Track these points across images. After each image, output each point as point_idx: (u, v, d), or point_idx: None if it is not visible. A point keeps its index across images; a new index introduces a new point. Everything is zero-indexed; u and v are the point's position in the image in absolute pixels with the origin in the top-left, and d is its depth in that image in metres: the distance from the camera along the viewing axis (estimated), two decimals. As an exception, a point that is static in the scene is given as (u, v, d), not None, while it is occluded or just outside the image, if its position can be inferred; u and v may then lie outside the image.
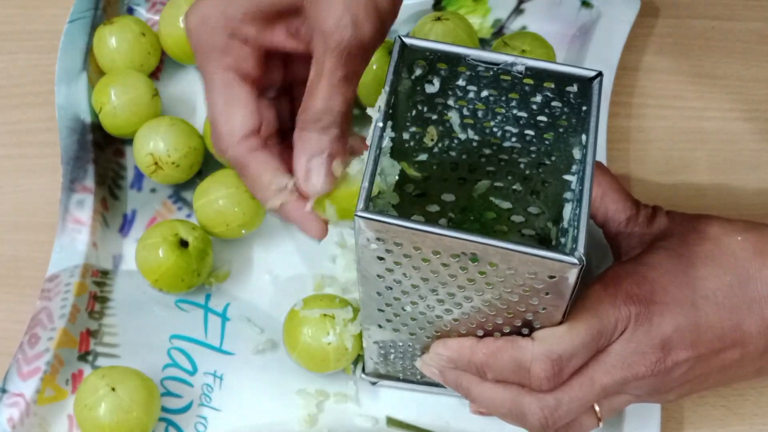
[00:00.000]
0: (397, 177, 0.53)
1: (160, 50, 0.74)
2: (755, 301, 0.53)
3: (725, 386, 0.64)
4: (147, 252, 0.64)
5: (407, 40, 0.50)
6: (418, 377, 0.62)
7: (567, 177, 0.54)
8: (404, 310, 0.52)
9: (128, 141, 0.71)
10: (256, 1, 0.52)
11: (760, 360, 0.55)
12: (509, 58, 0.50)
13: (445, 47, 0.51)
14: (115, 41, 0.71)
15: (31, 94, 0.75)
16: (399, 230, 0.45)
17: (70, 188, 0.67)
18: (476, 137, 0.55)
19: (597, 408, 0.54)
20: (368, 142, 0.48)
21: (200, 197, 0.66)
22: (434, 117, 0.55)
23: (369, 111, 0.49)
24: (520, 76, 0.51)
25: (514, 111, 0.53)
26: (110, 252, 0.68)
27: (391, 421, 0.63)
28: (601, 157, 0.68)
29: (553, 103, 0.52)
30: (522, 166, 0.56)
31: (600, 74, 0.50)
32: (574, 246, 0.46)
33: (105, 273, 0.67)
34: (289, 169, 0.54)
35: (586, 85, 0.50)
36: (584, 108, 0.50)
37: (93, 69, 0.72)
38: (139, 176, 0.71)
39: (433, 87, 0.53)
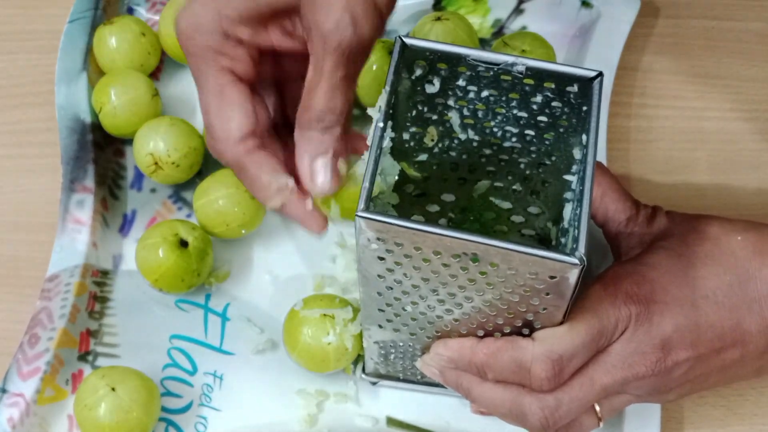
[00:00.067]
0: (397, 177, 0.53)
1: (160, 50, 0.74)
2: (755, 301, 0.53)
3: (725, 386, 0.64)
4: (147, 252, 0.64)
5: (407, 41, 0.50)
6: (419, 377, 0.62)
7: (567, 177, 0.54)
8: (405, 310, 0.52)
9: (128, 141, 0.71)
10: (252, 2, 0.52)
11: (760, 359, 0.55)
12: (509, 58, 0.50)
13: (446, 47, 0.51)
14: (115, 41, 0.71)
15: (31, 94, 0.75)
16: (399, 230, 0.45)
17: (70, 188, 0.67)
18: (476, 137, 0.55)
19: (597, 408, 0.54)
20: (369, 142, 0.48)
21: (200, 197, 0.66)
22: (434, 117, 0.55)
23: (369, 111, 0.49)
24: (520, 76, 0.51)
25: (515, 111, 0.53)
26: (110, 252, 0.68)
27: (391, 421, 0.63)
28: (601, 157, 0.68)
29: (554, 103, 0.52)
30: (522, 166, 0.56)
31: (600, 74, 0.50)
32: (574, 246, 0.46)
33: (105, 273, 0.67)
34: (287, 167, 0.53)
35: (587, 85, 0.50)
36: (584, 108, 0.50)
37: (93, 69, 0.72)
38: (139, 176, 0.71)
39: (433, 87, 0.53)
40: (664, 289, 0.53)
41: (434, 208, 0.59)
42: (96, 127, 0.70)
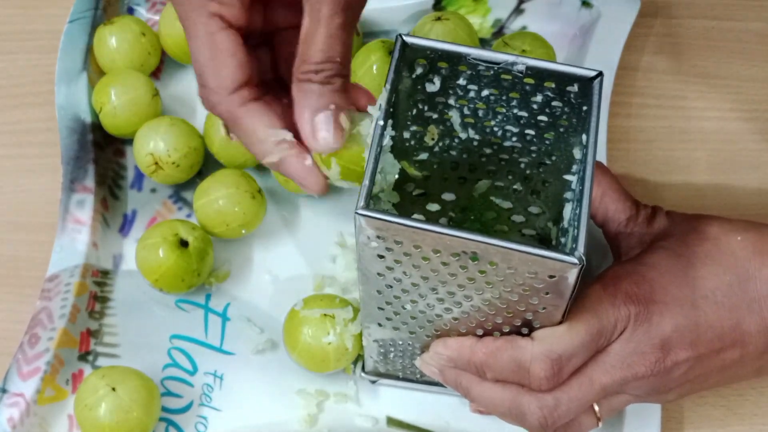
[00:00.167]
0: (397, 176, 0.53)
1: (160, 50, 0.74)
2: (755, 301, 0.53)
3: (725, 386, 0.64)
4: (147, 252, 0.64)
5: (408, 39, 0.50)
6: (418, 376, 0.62)
7: (567, 177, 0.54)
8: (404, 309, 0.52)
9: (128, 141, 0.71)
10: None
11: (759, 359, 0.55)
12: (510, 58, 0.50)
13: (446, 46, 0.51)
14: (115, 41, 0.71)
15: (31, 94, 0.75)
16: (399, 228, 0.45)
17: (70, 188, 0.67)
18: (477, 136, 0.55)
19: (596, 408, 0.54)
20: (369, 141, 0.48)
21: (200, 197, 0.66)
22: (435, 116, 0.55)
23: (370, 109, 0.49)
24: (520, 75, 0.51)
25: (515, 110, 0.53)
26: (110, 252, 0.68)
27: (391, 421, 0.63)
28: (601, 157, 0.68)
29: (554, 103, 0.52)
30: (522, 165, 0.56)
31: (600, 74, 0.50)
32: (574, 246, 0.46)
33: (105, 273, 0.67)
34: (285, 122, 0.50)
35: (587, 84, 0.50)
36: (584, 108, 0.50)
37: (93, 69, 0.72)
38: (140, 176, 0.71)
39: (433, 86, 0.53)
40: (664, 289, 0.53)
41: (435, 207, 0.59)
42: (96, 127, 0.70)
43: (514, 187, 0.58)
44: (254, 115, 0.50)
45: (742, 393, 0.65)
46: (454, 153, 0.56)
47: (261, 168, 0.70)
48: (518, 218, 0.59)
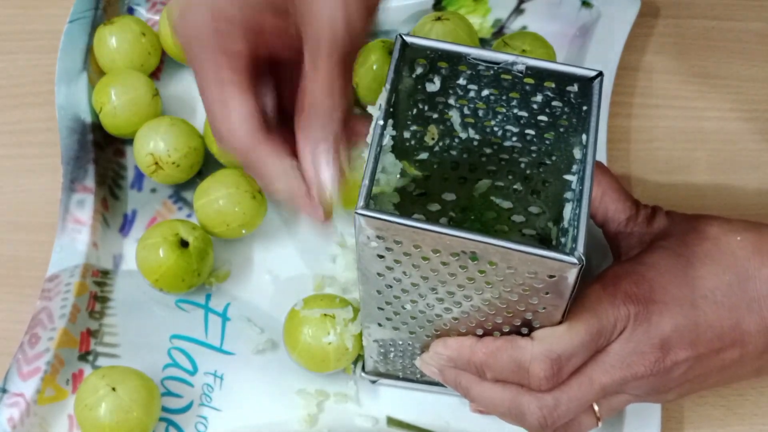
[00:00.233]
0: (398, 175, 0.53)
1: (160, 50, 0.74)
2: (754, 300, 0.53)
3: (725, 386, 0.64)
4: (147, 252, 0.64)
5: (408, 39, 0.50)
6: (418, 376, 0.62)
7: (567, 177, 0.54)
8: (404, 309, 0.52)
9: (128, 141, 0.71)
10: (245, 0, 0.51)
11: (759, 359, 0.55)
12: (510, 57, 0.50)
13: (446, 46, 0.51)
14: (115, 41, 0.71)
15: (31, 94, 0.75)
16: (399, 228, 0.45)
17: (71, 188, 0.67)
18: (477, 136, 0.55)
19: (596, 407, 0.54)
20: (369, 140, 0.48)
21: (200, 197, 0.66)
22: (435, 116, 0.55)
23: (369, 109, 0.49)
24: (520, 75, 0.51)
25: (515, 110, 0.53)
26: (110, 252, 0.68)
27: (392, 421, 0.63)
28: (601, 157, 0.68)
29: (554, 103, 0.52)
30: (522, 165, 0.56)
31: (600, 74, 0.50)
32: (573, 246, 0.46)
33: (105, 273, 0.67)
34: (293, 154, 0.53)
35: (587, 84, 0.50)
36: (584, 108, 0.50)
37: (93, 69, 0.72)
38: (140, 176, 0.71)
39: (433, 86, 0.53)
40: (663, 288, 0.53)
41: (435, 207, 0.59)
42: (96, 127, 0.70)
43: (515, 187, 0.58)
44: (265, 155, 0.52)
45: (742, 393, 0.65)
46: (454, 153, 0.56)
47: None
48: (518, 218, 0.59)
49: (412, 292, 0.50)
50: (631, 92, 0.76)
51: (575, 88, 0.51)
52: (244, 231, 0.67)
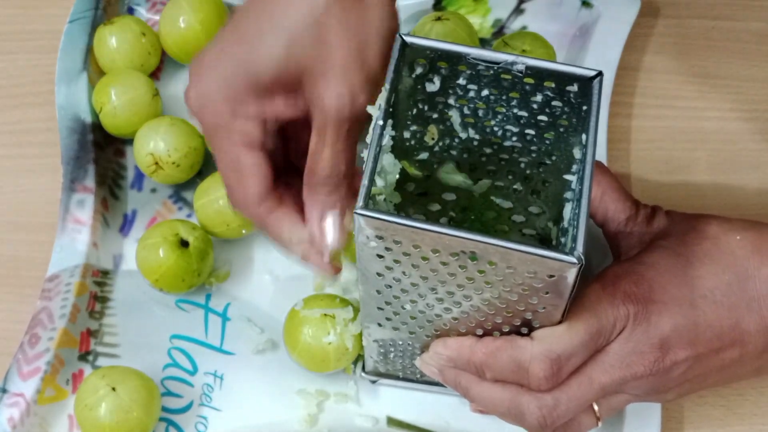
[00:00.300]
0: (398, 175, 0.53)
1: (160, 50, 0.74)
2: (754, 300, 0.53)
3: (725, 385, 0.64)
4: (147, 252, 0.64)
5: (408, 39, 0.50)
6: (418, 376, 0.62)
7: (567, 176, 0.54)
8: (404, 309, 0.52)
9: (128, 141, 0.71)
10: (254, 79, 0.53)
11: (759, 359, 0.55)
12: (510, 57, 0.50)
13: (446, 46, 0.51)
14: (115, 41, 0.71)
15: (31, 94, 0.75)
16: (398, 228, 0.45)
17: (71, 188, 0.67)
18: (477, 136, 0.55)
19: (596, 407, 0.54)
20: (368, 140, 0.48)
21: (200, 197, 0.66)
22: (435, 116, 0.55)
23: (369, 109, 0.49)
24: (520, 75, 0.51)
25: (515, 110, 0.53)
26: (110, 252, 0.68)
27: (392, 421, 0.63)
28: (601, 157, 0.68)
29: (554, 103, 0.52)
30: (522, 165, 0.56)
31: (600, 74, 0.50)
32: (573, 245, 0.46)
33: (105, 273, 0.67)
34: (302, 215, 0.56)
35: (587, 84, 0.50)
36: (584, 107, 0.50)
37: (93, 69, 0.72)
38: (140, 176, 0.71)
39: (433, 85, 0.53)
40: (663, 288, 0.53)
41: (435, 207, 0.59)
42: (96, 127, 0.70)
43: (515, 186, 0.58)
44: (278, 221, 0.56)
45: (742, 393, 0.65)
46: (454, 153, 0.56)
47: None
48: (518, 218, 0.59)
49: (411, 292, 0.50)
50: (631, 92, 0.76)
51: (575, 87, 0.51)
52: (244, 231, 0.67)
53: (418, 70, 0.52)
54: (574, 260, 0.45)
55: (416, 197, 0.59)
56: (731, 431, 0.64)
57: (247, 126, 0.54)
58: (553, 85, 0.51)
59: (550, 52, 0.71)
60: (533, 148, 0.55)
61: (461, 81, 0.52)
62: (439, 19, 0.71)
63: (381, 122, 0.48)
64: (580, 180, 0.48)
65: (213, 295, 0.67)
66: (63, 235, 0.66)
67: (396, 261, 0.48)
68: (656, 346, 0.52)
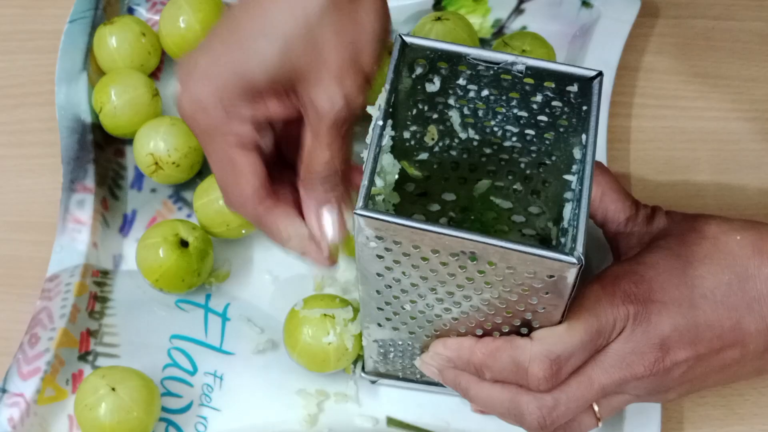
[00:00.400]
0: (397, 176, 0.53)
1: (160, 50, 0.74)
2: (755, 300, 0.53)
3: (725, 385, 0.64)
4: (147, 252, 0.64)
5: (408, 39, 0.50)
6: (418, 376, 0.62)
7: (567, 177, 0.54)
8: (403, 309, 0.52)
9: (128, 141, 0.71)
10: (248, 84, 0.53)
11: (760, 359, 0.55)
12: (509, 57, 0.50)
13: (446, 46, 0.51)
14: (115, 41, 0.71)
15: (31, 94, 0.75)
16: (398, 228, 0.45)
17: (71, 188, 0.68)
18: (477, 136, 0.55)
19: (596, 407, 0.54)
20: (368, 141, 0.48)
21: (200, 197, 0.66)
22: (435, 116, 0.55)
23: (369, 109, 0.49)
24: (520, 75, 0.51)
25: (515, 110, 0.53)
26: (110, 252, 0.68)
27: (391, 421, 0.63)
28: (601, 157, 0.68)
29: (554, 103, 0.52)
30: (522, 165, 0.56)
31: (600, 74, 0.50)
32: (573, 245, 0.46)
33: (105, 273, 0.67)
34: (299, 211, 0.56)
35: (587, 84, 0.50)
36: (584, 108, 0.50)
37: (93, 69, 0.72)
38: (140, 176, 0.71)
39: (433, 86, 0.53)
40: (663, 288, 0.53)
41: (435, 207, 0.59)
42: (96, 127, 0.70)
43: (514, 187, 0.58)
44: (275, 218, 0.55)
45: (742, 393, 0.65)
46: (454, 153, 0.56)
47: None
48: (518, 218, 0.59)
49: (411, 292, 0.50)
50: (631, 92, 0.76)
51: (575, 88, 0.51)
52: (244, 231, 0.67)
53: (418, 71, 0.52)
54: (574, 260, 0.45)
55: (416, 197, 0.59)
56: (731, 431, 0.64)
57: (241, 128, 0.54)
58: (553, 85, 0.51)
59: (550, 52, 0.71)
60: (533, 148, 0.55)
61: (461, 81, 0.52)
62: (439, 19, 0.71)
63: (381, 122, 0.48)
64: (580, 180, 0.48)
65: (213, 295, 0.67)
66: (63, 235, 0.66)
67: (396, 261, 0.48)
68: (656, 347, 0.52)
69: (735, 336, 0.53)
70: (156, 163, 0.67)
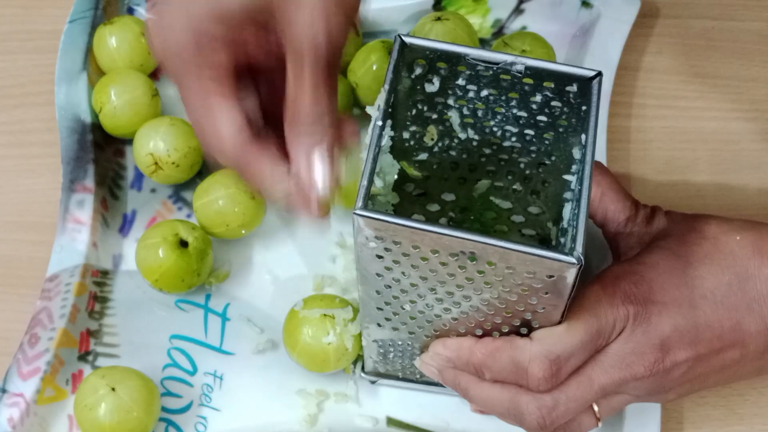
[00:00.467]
0: (396, 176, 0.53)
1: (160, 50, 0.74)
2: (755, 300, 0.53)
3: (725, 386, 0.64)
4: (147, 252, 0.64)
5: (407, 39, 0.50)
6: (418, 376, 0.62)
7: (567, 177, 0.54)
8: (403, 309, 0.52)
9: (128, 141, 0.71)
10: (220, 12, 0.50)
11: (760, 360, 0.55)
12: (509, 58, 0.50)
13: (445, 46, 0.51)
14: (115, 41, 0.71)
15: (31, 94, 0.75)
16: (397, 228, 0.45)
17: (70, 188, 0.68)
18: (476, 137, 0.55)
19: (596, 408, 0.54)
20: (367, 141, 0.48)
21: (200, 197, 0.66)
22: (434, 116, 0.55)
23: (368, 110, 0.49)
24: (519, 75, 0.51)
25: (514, 110, 0.53)
26: (110, 252, 0.68)
27: (391, 421, 0.63)
28: (601, 157, 0.68)
29: (553, 103, 0.52)
30: (522, 165, 0.56)
31: (600, 74, 0.50)
32: (572, 245, 0.46)
33: (105, 273, 0.67)
34: (284, 155, 0.53)
35: (586, 84, 0.50)
36: (584, 108, 0.50)
37: (93, 69, 0.72)
38: (139, 176, 0.71)
39: (432, 86, 0.53)
40: (663, 289, 0.53)
41: (435, 207, 0.59)
42: (96, 127, 0.70)
43: (514, 187, 0.58)
44: (256, 159, 0.52)
45: (742, 393, 0.65)
46: (453, 153, 0.56)
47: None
48: (518, 218, 0.59)
49: (411, 292, 0.50)
50: (631, 92, 0.76)
51: (574, 88, 0.51)
52: (243, 231, 0.67)
53: (418, 71, 0.52)
54: (574, 260, 0.45)
55: (415, 198, 0.59)
56: (731, 431, 0.64)
57: (218, 59, 0.51)
58: (552, 85, 0.51)
59: (549, 52, 0.71)
60: (533, 148, 0.55)
61: (460, 81, 0.52)
62: (438, 19, 0.71)
63: (380, 123, 0.48)
64: (580, 180, 0.48)
65: (213, 295, 0.67)
66: (63, 235, 0.66)
67: (395, 261, 0.48)
68: (656, 347, 0.52)
69: (735, 336, 0.53)
70: (156, 163, 0.67)
